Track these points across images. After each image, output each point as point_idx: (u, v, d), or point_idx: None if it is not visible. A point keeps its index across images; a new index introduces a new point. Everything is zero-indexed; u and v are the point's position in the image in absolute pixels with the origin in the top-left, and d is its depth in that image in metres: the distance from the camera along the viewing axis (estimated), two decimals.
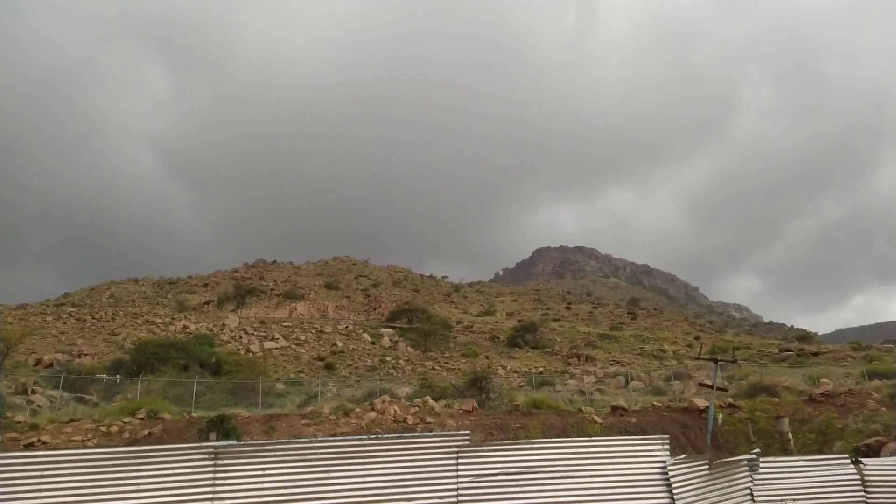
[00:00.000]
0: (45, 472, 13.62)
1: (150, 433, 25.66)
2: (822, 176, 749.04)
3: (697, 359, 40.61)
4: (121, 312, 73.71)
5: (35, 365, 45.30)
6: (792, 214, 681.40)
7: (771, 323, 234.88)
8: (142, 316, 72.32)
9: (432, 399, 31.24)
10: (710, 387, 23.87)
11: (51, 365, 45.22)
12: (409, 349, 74.89)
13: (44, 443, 23.83)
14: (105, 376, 37.74)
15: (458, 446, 15.93)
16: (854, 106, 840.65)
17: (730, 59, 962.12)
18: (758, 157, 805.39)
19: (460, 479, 15.48)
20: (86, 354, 50.78)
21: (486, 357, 70.86)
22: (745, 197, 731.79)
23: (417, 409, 29.62)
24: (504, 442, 19.63)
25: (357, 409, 29.12)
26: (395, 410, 28.86)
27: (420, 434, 20.39)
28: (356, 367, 62.75)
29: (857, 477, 17.67)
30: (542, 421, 28.19)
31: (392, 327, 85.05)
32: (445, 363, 67.23)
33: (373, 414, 28.47)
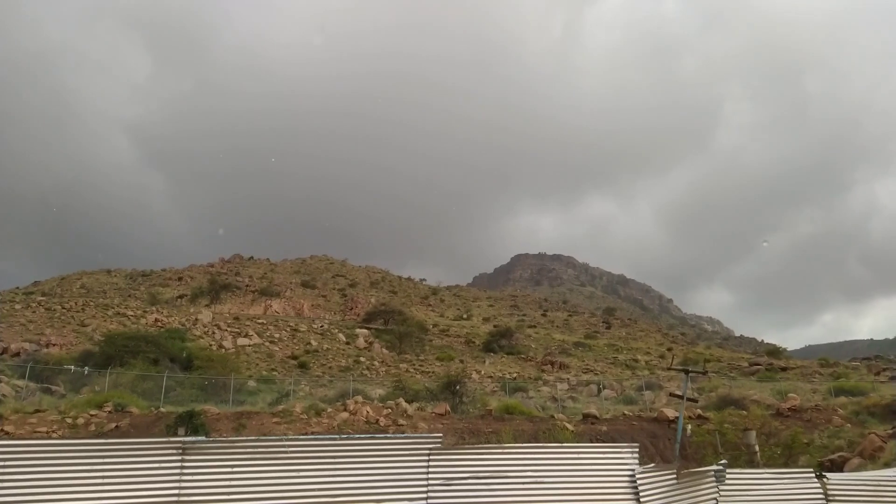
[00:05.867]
0: (7, 464, 13.35)
1: (116, 427, 25.32)
2: (798, 192, 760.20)
3: (669, 369, 41.09)
4: (91, 303, 72.43)
5: (1, 354, 44.37)
6: (766, 229, 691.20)
7: (742, 337, 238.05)
8: (113, 307, 71.15)
9: (405, 401, 31.22)
10: (681, 397, 24.18)
11: (18, 354, 44.34)
12: (384, 351, 74.66)
13: (7, 433, 23.41)
14: (73, 367, 37.14)
15: (429, 449, 15.91)
16: (832, 123, 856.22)
17: (712, 73, 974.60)
18: (736, 171, 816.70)
19: (430, 482, 15.46)
20: (54, 345, 49.86)
21: (461, 361, 70.89)
22: (722, 210, 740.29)
23: (390, 410, 29.57)
24: (475, 446, 19.65)
25: (329, 409, 29.00)
26: (368, 411, 28.79)
27: (391, 436, 20.35)
28: (330, 367, 62.38)
29: (821, 491, 17.98)
30: (514, 426, 28.31)
31: (368, 328, 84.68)
32: (420, 366, 67.14)
33: (345, 414, 28.37)
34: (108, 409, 26.83)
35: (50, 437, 22.90)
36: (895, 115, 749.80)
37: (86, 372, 36.40)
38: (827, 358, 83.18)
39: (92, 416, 25.98)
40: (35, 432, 23.75)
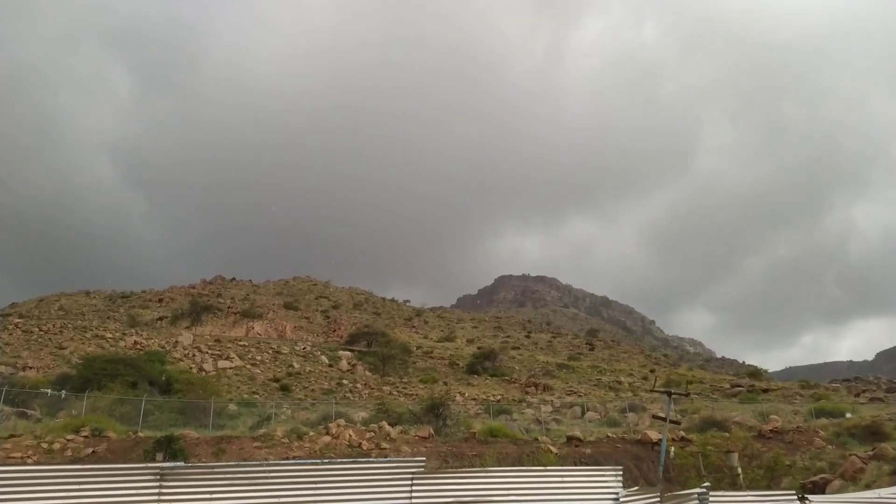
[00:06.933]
0: None
1: (93, 452, 24.87)
2: (776, 214, 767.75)
3: (652, 391, 41.25)
4: (69, 325, 71.38)
5: None
6: (746, 251, 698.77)
7: (723, 358, 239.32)
8: (91, 330, 70.15)
9: (388, 424, 30.97)
10: (664, 420, 24.24)
11: None
12: (368, 373, 74.16)
13: None
14: (49, 391, 36.54)
15: (412, 473, 15.79)
16: (810, 146, 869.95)
17: (692, 97, 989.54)
18: (716, 194, 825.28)
19: None
20: (31, 368, 49.01)
21: (445, 383, 70.55)
22: (703, 232, 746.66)
23: (373, 434, 29.31)
24: (459, 470, 19.54)
25: (311, 433, 28.68)
26: (351, 435, 28.51)
27: (374, 460, 20.17)
28: (312, 390, 61.80)
29: None
30: (497, 449, 28.18)
31: (351, 350, 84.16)
32: (403, 388, 66.72)
33: (327, 438, 28.07)
34: (85, 433, 26.34)
35: (25, 463, 22.43)
36: (872, 138, 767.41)
37: (63, 395, 35.81)
38: (807, 380, 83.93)
39: (68, 440, 25.49)
40: (9, 458, 23.22)
